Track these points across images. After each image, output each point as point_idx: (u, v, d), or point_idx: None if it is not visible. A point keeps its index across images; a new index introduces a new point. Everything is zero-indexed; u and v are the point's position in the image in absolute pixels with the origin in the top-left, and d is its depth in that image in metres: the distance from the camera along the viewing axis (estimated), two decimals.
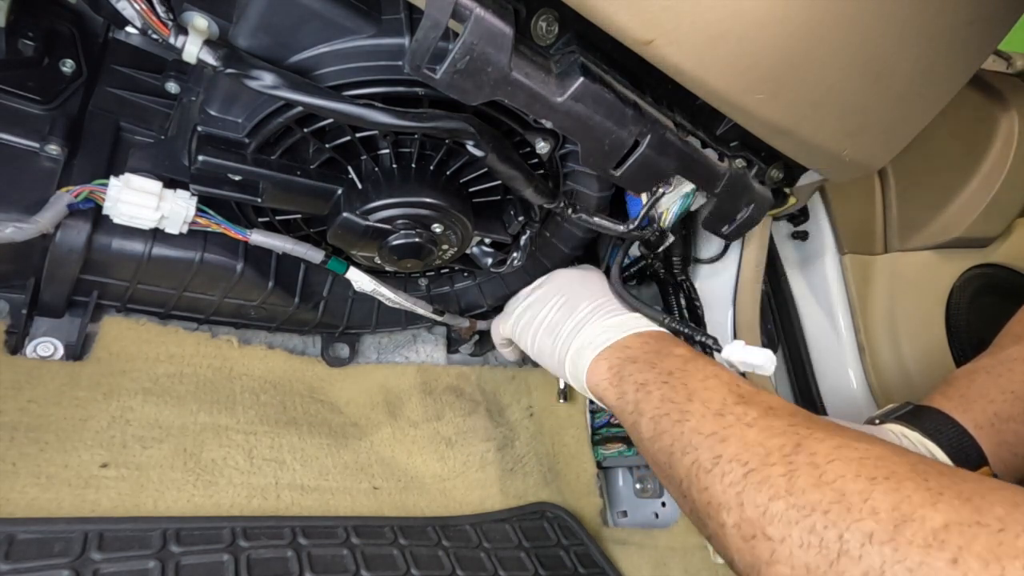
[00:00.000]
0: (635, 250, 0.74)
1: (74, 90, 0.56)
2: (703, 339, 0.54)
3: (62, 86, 0.55)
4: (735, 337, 0.69)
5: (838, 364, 0.79)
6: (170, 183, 0.52)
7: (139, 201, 0.50)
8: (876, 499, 0.31)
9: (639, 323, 0.53)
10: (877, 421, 0.53)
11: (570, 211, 0.57)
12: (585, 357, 0.52)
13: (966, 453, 0.49)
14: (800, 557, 0.32)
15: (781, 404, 0.40)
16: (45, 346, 0.58)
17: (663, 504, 0.81)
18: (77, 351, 0.59)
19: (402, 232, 0.54)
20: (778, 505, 0.34)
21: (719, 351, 0.53)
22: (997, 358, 0.54)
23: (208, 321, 0.66)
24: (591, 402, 0.77)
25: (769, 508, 0.34)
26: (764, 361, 0.49)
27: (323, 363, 0.73)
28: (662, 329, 0.53)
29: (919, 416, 0.51)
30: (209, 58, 0.42)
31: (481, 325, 0.76)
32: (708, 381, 0.43)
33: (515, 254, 0.65)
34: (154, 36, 0.42)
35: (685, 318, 0.70)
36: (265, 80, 0.42)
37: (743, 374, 0.56)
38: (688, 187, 0.54)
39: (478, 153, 0.49)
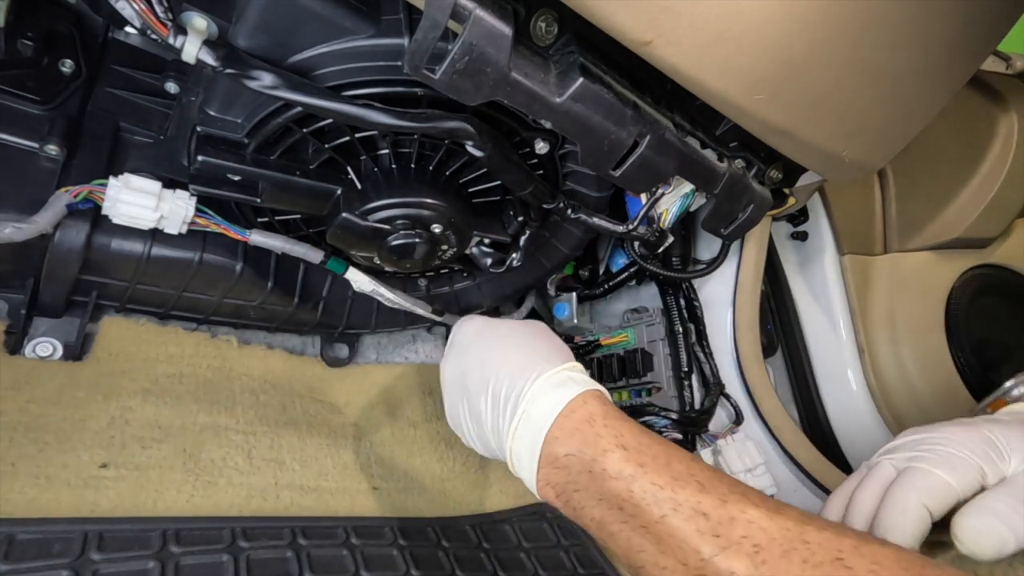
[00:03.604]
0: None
1: (73, 90, 0.56)
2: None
3: (61, 86, 0.55)
4: (735, 338, 0.70)
5: (838, 365, 0.79)
6: (169, 183, 0.52)
7: (138, 201, 0.50)
8: None
9: (552, 400, 0.43)
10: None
11: (569, 211, 0.57)
12: (525, 476, 0.45)
13: None
14: None
15: (766, 526, 0.33)
16: (44, 346, 0.58)
17: None
18: (76, 351, 0.59)
19: (401, 232, 0.54)
20: None
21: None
22: None
23: (207, 321, 0.66)
24: None
25: None
26: None
27: (322, 363, 0.73)
28: (577, 393, 0.43)
29: None
30: (208, 58, 0.42)
31: None
32: (668, 522, 0.35)
33: (514, 254, 0.65)
34: (153, 36, 0.42)
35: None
36: (264, 80, 0.42)
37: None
38: (687, 187, 0.54)
39: (477, 153, 0.49)
